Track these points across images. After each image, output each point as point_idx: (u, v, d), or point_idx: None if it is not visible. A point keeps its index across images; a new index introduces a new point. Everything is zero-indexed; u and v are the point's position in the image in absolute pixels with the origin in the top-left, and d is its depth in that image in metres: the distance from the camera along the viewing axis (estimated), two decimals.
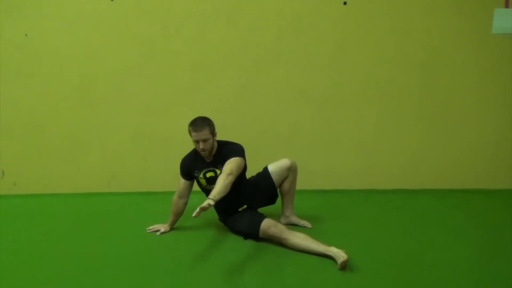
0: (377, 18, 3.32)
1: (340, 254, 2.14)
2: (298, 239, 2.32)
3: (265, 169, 2.69)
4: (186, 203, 2.61)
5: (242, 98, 3.40)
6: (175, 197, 2.60)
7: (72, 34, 3.26)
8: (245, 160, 2.50)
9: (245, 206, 2.58)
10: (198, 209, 1.99)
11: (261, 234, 2.41)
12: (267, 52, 3.34)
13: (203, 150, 2.42)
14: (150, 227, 2.67)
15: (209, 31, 3.30)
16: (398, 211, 3.05)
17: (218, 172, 2.49)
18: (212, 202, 2.08)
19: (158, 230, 2.63)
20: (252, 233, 2.45)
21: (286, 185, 2.69)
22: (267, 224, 2.38)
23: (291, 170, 2.66)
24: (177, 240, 2.53)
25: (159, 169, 3.46)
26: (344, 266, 2.11)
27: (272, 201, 2.72)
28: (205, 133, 2.39)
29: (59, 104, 3.35)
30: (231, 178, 2.26)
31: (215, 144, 2.51)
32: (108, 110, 3.38)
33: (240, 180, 2.53)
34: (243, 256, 2.32)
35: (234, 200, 2.54)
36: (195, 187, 2.62)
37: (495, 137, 3.50)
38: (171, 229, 2.66)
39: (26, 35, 3.24)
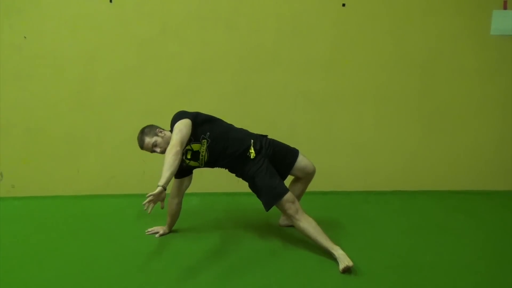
0: (376, 20, 3.33)
1: (345, 258, 2.12)
2: (309, 225, 2.26)
3: (297, 151, 2.58)
4: (179, 203, 2.58)
5: (241, 100, 3.40)
6: (169, 198, 2.58)
7: (71, 36, 3.26)
8: (190, 117, 2.35)
9: (253, 151, 2.38)
10: (146, 201, 1.92)
11: (276, 204, 2.30)
12: (266, 54, 3.35)
13: (162, 152, 2.32)
14: (149, 229, 2.67)
15: (208, 33, 3.30)
16: (397, 213, 3.05)
17: (193, 145, 2.40)
18: (160, 188, 1.99)
19: (157, 232, 2.63)
20: (269, 197, 2.32)
21: (297, 190, 2.60)
22: (286, 198, 2.27)
23: (309, 177, 2.61)
24: (176, 242, 2.52)
25: (158, 171, 3.39)
26: (346, 271, 2.10)
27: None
28: (147, 143, 2.39)
29: (58, 106, 3.35)
30: (174, 150, 2.13)
31: (169, 135, 2.36)
32: (107, 112, 3.38)
33: (219, 129, 2.43)
34: (242, 257, 2.31)
35: (232, 148, 2.40)
36: (191, 188, 2.61)
37: (495, 138, 3.51)
38: (170, 231, 2.66)
39: (25, 37, 3.24)
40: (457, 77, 3.42)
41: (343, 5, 3.29)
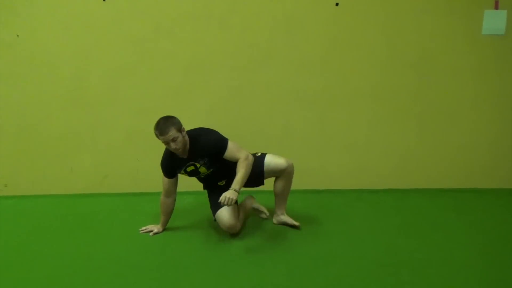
0: (369, 19, 3.34)
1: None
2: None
3: (262, 156, 2.62)
4: (174, 200, 2.61)
5: (235, 99, 3.40)
6: (162, 197, 2.59)
7: (64, 34, 3.24)
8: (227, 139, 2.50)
9: (224, 181, 2.58)
10: (226, 200, 2.22)
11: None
12: (260, 53, 3.35)
13: (176, 150, 2.36)
14: (143, 228, 2.67)
15: (202, 32, 3.30)
16: (390, 211, 3.07)
17: (198, 165, 2.48)
18: (236, 193, 2.27)
19: (151, 231, 2.63)
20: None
21: (278, 187, 2.65)
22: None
23: (286, 173, 2.57)
24: (170, 241, 2.53)
25: (152, 170, 3.42)
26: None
27: (255, 185, 2.65)
28: (171, 133, 2.32)
29: (51, 104, 3.33)
30: (250, 159, 2.42)
31: (187, 139, 2.42)
32: (100, 110, 3.36)
33: (225, 161, 2.49)
34: (235, 256, 2.32)
35: (216, 176, 2.59)
36: (184, 187, 2.62)
37: (487, 137, 3.53)
38: (164, 229, 2.66)
39: (17, 35, 3.22)
40: (449, 76, 3.45)
41: (337, 4, 3.30)
